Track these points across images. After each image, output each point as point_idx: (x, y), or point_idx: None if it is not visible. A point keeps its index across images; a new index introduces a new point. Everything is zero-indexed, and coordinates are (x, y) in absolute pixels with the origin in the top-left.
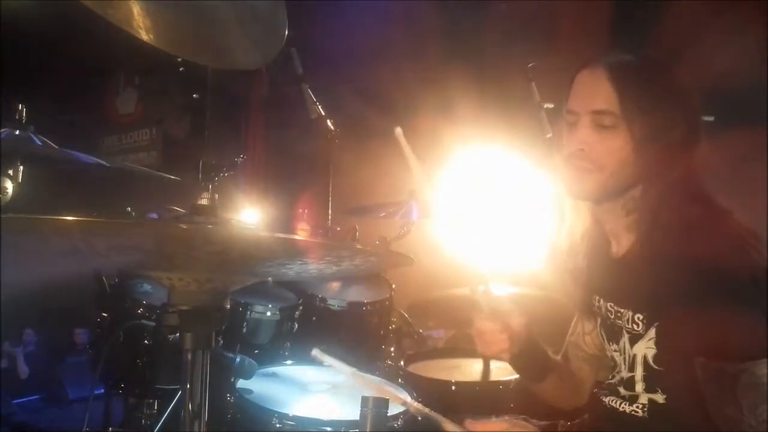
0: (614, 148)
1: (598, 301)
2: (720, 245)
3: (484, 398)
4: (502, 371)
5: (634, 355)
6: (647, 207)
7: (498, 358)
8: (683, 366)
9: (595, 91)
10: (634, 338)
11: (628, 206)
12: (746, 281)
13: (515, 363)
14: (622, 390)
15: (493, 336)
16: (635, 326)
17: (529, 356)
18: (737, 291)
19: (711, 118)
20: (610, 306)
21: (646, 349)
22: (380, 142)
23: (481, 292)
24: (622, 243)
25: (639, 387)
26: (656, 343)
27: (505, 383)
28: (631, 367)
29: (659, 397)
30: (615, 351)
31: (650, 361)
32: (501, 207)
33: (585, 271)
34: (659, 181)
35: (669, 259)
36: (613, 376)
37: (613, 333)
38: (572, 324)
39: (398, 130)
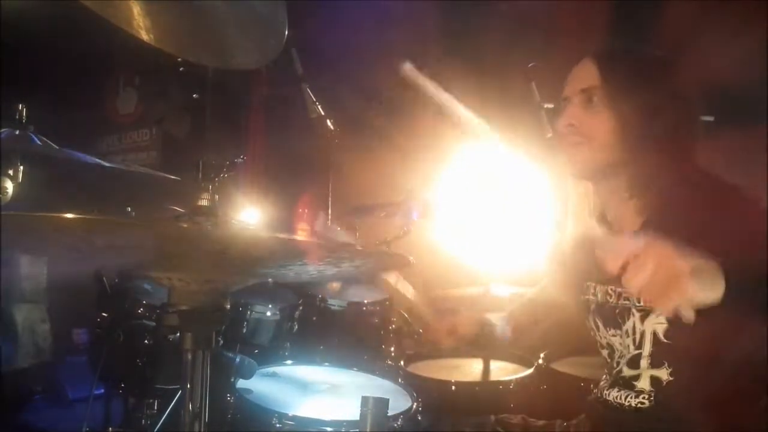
0: (601, 121)
1: (594, 288)
2: (734, 216)
3: (484, 398)
4: (502, 371)
5: (644, 331)
6: (652, 187)
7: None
8: (693, 338)
9: (583, 74)
10: (646, 314)
11: (629, 186)
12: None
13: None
14: (625, 369)
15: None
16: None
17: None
18: (754, 262)
19: (711, 118)
20: (611, 289)
21: (656, 324)
22: (380, 142)
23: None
24: (628, 226)
25: (644, 363)
26: (667, 318)
27: (505, 383)
28: (639, 344)
29: (664, 373)
30: (614, 336)
31: (660, 335)
32: (501, 207)
33: (577, 260)
34: (652, 159)
35: (683, 236)
36: (618, 362)
37: (612, 317)
38: None
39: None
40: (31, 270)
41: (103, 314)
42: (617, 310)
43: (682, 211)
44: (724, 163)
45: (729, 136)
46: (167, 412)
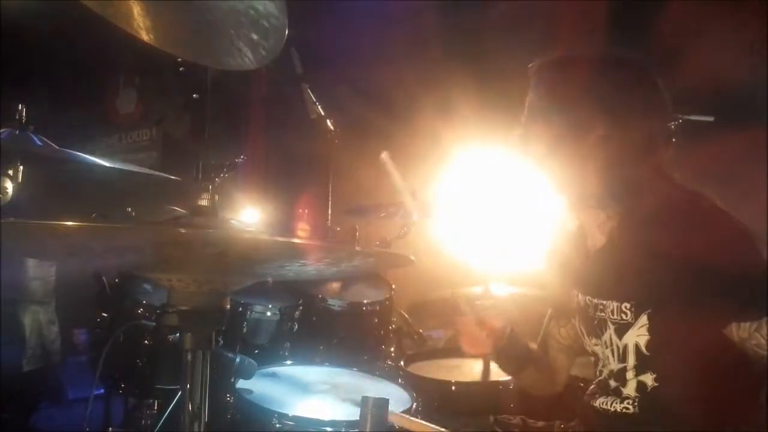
0: (537, 135)
1: (577, 296)
2: (700, 226)
3: (483, 398)
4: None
5: (625, 345)
6: (614, 199)
7: (481, 356)
8: (678, 348)
9: (529, 91)
10: (622, 328)
11: (591, 197)
12: (734, 257)
13: (497, 359)
14: (612, 382)
15: (477, 338)
16: (623, 316)
17: (510, 353)
18: (726, 266)
19: (711, 118)
20: (589, 300)
21: (637, 337)
22: (380, 142)
23: (466, 296)
24: (597, 237)
25: (630, 374)
26: (649, 330)
27: (505, 383)
28: (623, 358)
29: (649, 379)
30: (596, 345)
31: (643, 348)
32: (501, 207)
33: (563, 265)
34: (611, 173)
35: (651, 247)
36: (601, 372)
37: (592, 327)
38: (546, 317)
39: (384, 155)
40: (40, 271)
41: (103, 314)
42: (595, 321)
43: (646, 223)
44: (724, 163)
45: (729, 136)
46: (167, 412)
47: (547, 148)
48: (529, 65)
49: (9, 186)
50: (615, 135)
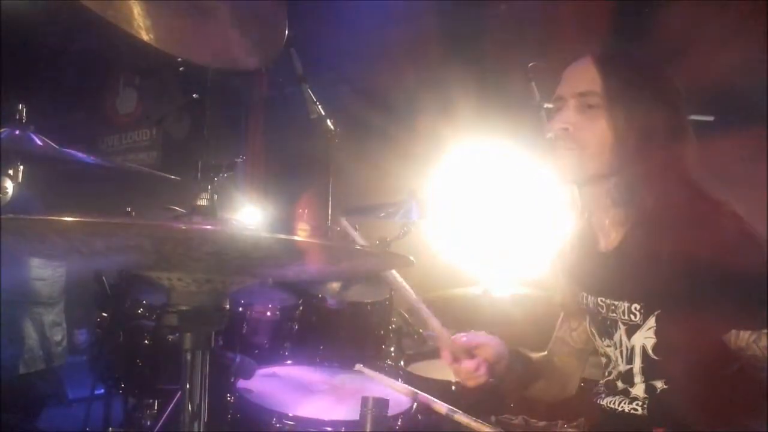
0: (597, 129)
1: (586, 298)
2: (714, 232)
3: (484, 398)
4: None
5: (633, 347)
6: (635, 198)
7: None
8: (683, 353)
9: (582, 76)
10: (632, 329)
11: (612, 195)
12: (744, 265)
13: (501, 384)
14: (620, 384)
15: (470, 373)
16: (632, 317)
17: (511, 376)
18: (735, 273)
19: (711, 118)
20: (601, 300)
21: (644, 339)
22: (380, 142)
23: (445, 333)
24: (611, 237)
25: (638, 378)
26: (656, 332)
27: None
28: (630, 359)
29: (658, 382)
30: (608, 346)
31: (649, 351)
32: (502, 207)
33: (571, 267)
34: (640, 171)
35: (664, 249)
36: (610, 372)
37: (605, 328)
38: (559, 321)
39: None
40: (45, 272)
41: (103, 314)
42: (607, 322)
43: (662, 225)
44: (724, 163)
45: (729, 136)
46: (167, 412)
47: (598, 138)
48: (530, 65)
49: (9, 186)
50: (679, 137)
